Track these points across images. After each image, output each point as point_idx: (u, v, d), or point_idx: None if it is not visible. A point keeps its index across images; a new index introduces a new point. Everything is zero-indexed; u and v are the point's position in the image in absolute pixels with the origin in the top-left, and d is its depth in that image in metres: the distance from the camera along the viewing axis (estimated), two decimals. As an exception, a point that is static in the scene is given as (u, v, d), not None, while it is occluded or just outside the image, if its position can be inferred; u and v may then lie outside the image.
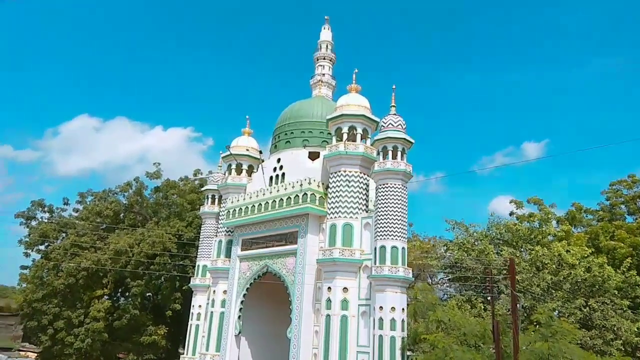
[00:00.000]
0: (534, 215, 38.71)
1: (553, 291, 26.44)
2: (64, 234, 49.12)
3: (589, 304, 26.31)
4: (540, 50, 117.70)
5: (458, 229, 34.24)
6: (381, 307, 24.50)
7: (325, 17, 44.70)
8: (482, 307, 27.77)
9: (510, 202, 41.56)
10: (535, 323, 22.41)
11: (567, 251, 27.76)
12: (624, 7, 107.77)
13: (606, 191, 43.73)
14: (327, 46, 42.73)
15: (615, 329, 25.48)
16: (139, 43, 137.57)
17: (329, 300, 26.61)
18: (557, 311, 25.24)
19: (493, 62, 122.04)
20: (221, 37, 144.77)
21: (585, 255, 28.30)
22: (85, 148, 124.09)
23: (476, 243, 31.76)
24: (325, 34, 43.52)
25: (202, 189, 42.27)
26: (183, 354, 41.66)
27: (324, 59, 42.07)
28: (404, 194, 26.80)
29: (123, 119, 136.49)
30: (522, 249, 31.05)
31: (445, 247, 35.32)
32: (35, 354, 48.30)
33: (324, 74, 41.36)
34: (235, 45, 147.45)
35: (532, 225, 33.93)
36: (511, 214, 40.47)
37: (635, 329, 26.05)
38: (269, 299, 35.56)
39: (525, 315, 25.48)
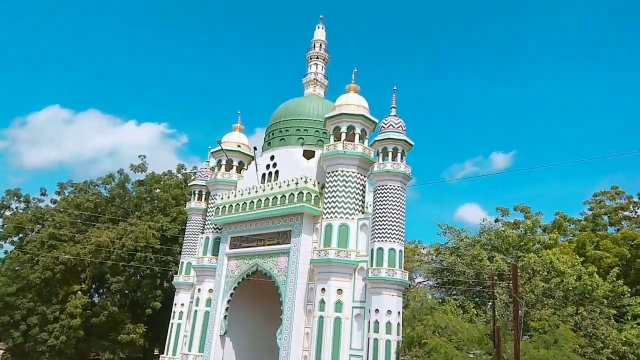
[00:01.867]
0: (519, 222, 39.19)
1: (544, 298, 26.64)
2: (39, 226, 47.27)
3: (579, 312, 26.60)
4: (510, 64, 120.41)
5: (449, 234, 34.38)
6: (377, 310, 24.17)
7: (320, 16, 44.61)
8: (475, 313, 27.78)
9: (497, 209, 42.06)
10: (533, 329, 22.45)
11: (558, 259, 28.05)
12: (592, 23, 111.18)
13: (589, 201, 44.66)
14: (320, 45, 42.49)
15: (603, 337, 25.83)
16: (118, 33, 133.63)
17: (322, 302, 26.15)
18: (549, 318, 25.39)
19: (468, 71, 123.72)
20: (204, 33, 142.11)
21: (576, 263, 28.68)
22: (54, 140, 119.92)
23: (467, 248, 31.84)
24: (319, 33, 43.32)
25: (190, 184, 41.25)
26: (160, 354, 40.57)
27: (317, 58, 41.78)
28: (403, 196, 26.60)
29: (95, 112, 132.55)
30: (511, 256, 31.25)
31: (435, 252, 35.37)
32: (2, 351, 46.17)
33: (317, 73, 41.04)
34: (218, 42, 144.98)
35: (520, 233, 34.24)
36: (496, 220, 40.88)
37: (622, 338, 26.48)
38: (255, 299, 34.87)
39: (520, 321, 25.51)
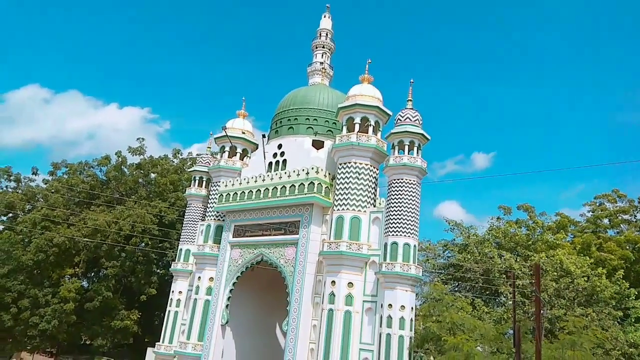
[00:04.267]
0: (521, 221, 39.21)
1: (553, 299, 26.58)
2: (29, 206, 45.85)
3: (588, 313, 26.62)
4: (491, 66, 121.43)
5: (457, 230, 34.16)
6: (390, 305, 23.75)
7: (327, 5, 43.81)
8: (485, 310, 27.62)
9: (499, 208, 42.00)
10: (557, 330, 22.29)
11: (568, 259, 28.01)
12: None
13: (589, 203, 44.90)
14: (327, 34, 41.75)
15: (612, 338, 25.88)
16: (107, 14, 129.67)
17: (332, 295, 25.63)
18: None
19: (456, 71, 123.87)
20: (197, 18, 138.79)
21: (585, 265, 28.68)
22: (32, 119, 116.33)
23: (476, 246, 31.66)
24: (326, 22, 42.59)
25: (190, 169, 40.28)
26: (152, 341, 39.69)
27: (323, 47, 41.01)
28: (418, 190, 26.15)
29: (76, 93, 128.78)
30: (518, 255, 31.15)
31: (444, 247, 35.16)
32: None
33: (322, 62, 40.34)
34: (209, 28, 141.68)
35: (529, 232, 34.21)
36: (498, 219, 40.85)
37: (629, 340, 26.58)
38: (257, 289, 34.30)
39: (542, 321, 25.38)
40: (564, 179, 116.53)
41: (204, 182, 38.40)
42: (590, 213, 43.72)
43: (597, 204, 44.09)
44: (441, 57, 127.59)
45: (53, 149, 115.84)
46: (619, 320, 28.14)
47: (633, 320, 29.50)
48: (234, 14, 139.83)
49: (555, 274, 27.59)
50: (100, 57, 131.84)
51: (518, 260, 28.95)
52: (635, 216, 42.41)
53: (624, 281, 29.49)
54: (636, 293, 29.49)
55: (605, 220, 42.22)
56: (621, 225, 42.31)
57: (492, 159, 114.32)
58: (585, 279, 27.59)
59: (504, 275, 28.45)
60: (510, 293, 27.29)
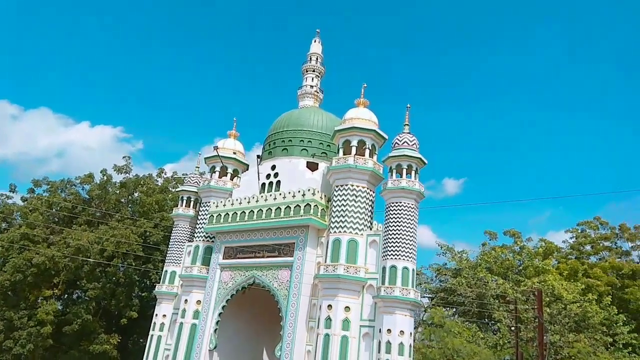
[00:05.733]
0: (506, 247, 39.74)
1: (547, 324, 26.74)
2: (5, 224, 44.09)
3: (580, 338, 26.86)
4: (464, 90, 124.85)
5: (449, 254, 34.31)
6: (389, 330, 23.46)
7: (317, 30, 44.70)
8: (480, 336, 27.55)
9: (485, 233, 42.53)
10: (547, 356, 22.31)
11: (561, 285, 28.38)
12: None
13: (571, 230, 45.88)
14: (317, 59, 42.36)
15: (605, 365, 26.15)
16: (81, 30, 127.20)
17: (328, 319, 25.17)
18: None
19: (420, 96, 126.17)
20: (174, 36, 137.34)
21: (577, 290, 29.09)
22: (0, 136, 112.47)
23: (468, 271, 31.82)
24: (316, 47, 43.24)
25: (178, 189, 39.57)
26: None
27: (314, 70, 41.51)
28: (416, 214, 26.26)
29: (46, 110, 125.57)
30: (510, 280, 31.40)
31: (436, 272, 35.18)
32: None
33: (313, 86, 40.76)
34: (188, 47, 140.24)
35: (522, 257, 34.62)
36: (484, 244, 41.32)
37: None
38: (246, 312, 33.52)
39: (546, 347, 25.36)
40: (532, 206, 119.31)
41: (192, 202, 37.76)
42: (573, 239, 44.63)
43: (580, 231, 45.08)
44: (410, 82, 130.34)
45: (20, 165, 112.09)
46: (607, 346, 28.46)
47: (621, 346, 29.92)
48: (216, 34, 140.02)
49: (547, 299, 27.86)
50: (72, 74, 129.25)
51: (511, 285, 29.16)
52: (616, 243, 43.51)
53: (613, 307, 29.97)
54: (624, 319, 29.98)
55: (588, 247, 43.15)
56: (603, 252, 43.25)
57: (462, 185, 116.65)
58: (578, 304, 27.95)
59: (498, 300, 28.55)
60: (504, 318, 27.37)
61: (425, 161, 27.42)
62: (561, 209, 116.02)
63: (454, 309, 30.67)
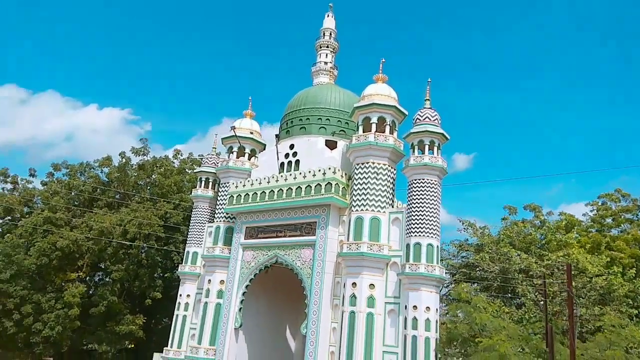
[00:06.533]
0: (527, 221, 39.36)
1: (574, 298, 26.57)
2: (27, 208, 44.71)
3: (606, 311, 26.72)
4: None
5: (471, 230, 34.20)
6: (415, 307, 23.54)
7: (330, 4, 43.61)
8: (505, 310, 27.57)
9: (505, 207, 42.11)
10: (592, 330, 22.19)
11: (586, 258, 28.16)
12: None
13: (591, 203, 45.21)
14: (330, 34, 41.59)
15: (631, 337, 25.98)
16: (88, 12, 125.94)
17: (353, 297, 25.33)
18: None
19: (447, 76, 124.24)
20: (180, 15, 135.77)
21: (601, 263, 28.86)
22: (7, 120, 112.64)
23: (491, 246, 31.69)
24: (329, 22, 42.36)
25: (196, 170, 39.64)
26: (158, 346, 38.88)
27: (327, 46, 40.79)
28: (439, 190, 26.04)
29: (54, 93, 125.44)
30: (533, 254, 31.20)
31: (458, 248, 35.14)
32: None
33: (327, 62, 40.11)
34: (195, 26, 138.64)
35: (544, 231, 34.34)
36: (504, 219, 40.98)
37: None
38: (269, 291, 33.84)
39: (576, 321, 25.31)
40: (544, 179, 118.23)
41: (211, 183, 37.84)
42: (593, 212, 44.01)
43: (600, 203, 44.40)
44: (428, 58, 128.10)
45: (29, 150, 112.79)
46: (632, 318, 28.29)
47: (644, 318, 29.69)
48: (225, 13, 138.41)
49: (572, 273, 27.60)
50: (80, 57, 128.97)
51: (535, 259, 29.00)
52: (637, 215, 42.79)
53: (638, 279, 29.71)
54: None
55: (609, 220, 42.54)
56: (624, 225, 42.62)
57: (472, 160, 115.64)
58: (603, 277, 27.75)
59: (522, 275, 28.44)
60: (529, 292, 27.31)
61: (448, 137, 27.05)
62: (573, 182, 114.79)
63: (476, 284, 30.70)
